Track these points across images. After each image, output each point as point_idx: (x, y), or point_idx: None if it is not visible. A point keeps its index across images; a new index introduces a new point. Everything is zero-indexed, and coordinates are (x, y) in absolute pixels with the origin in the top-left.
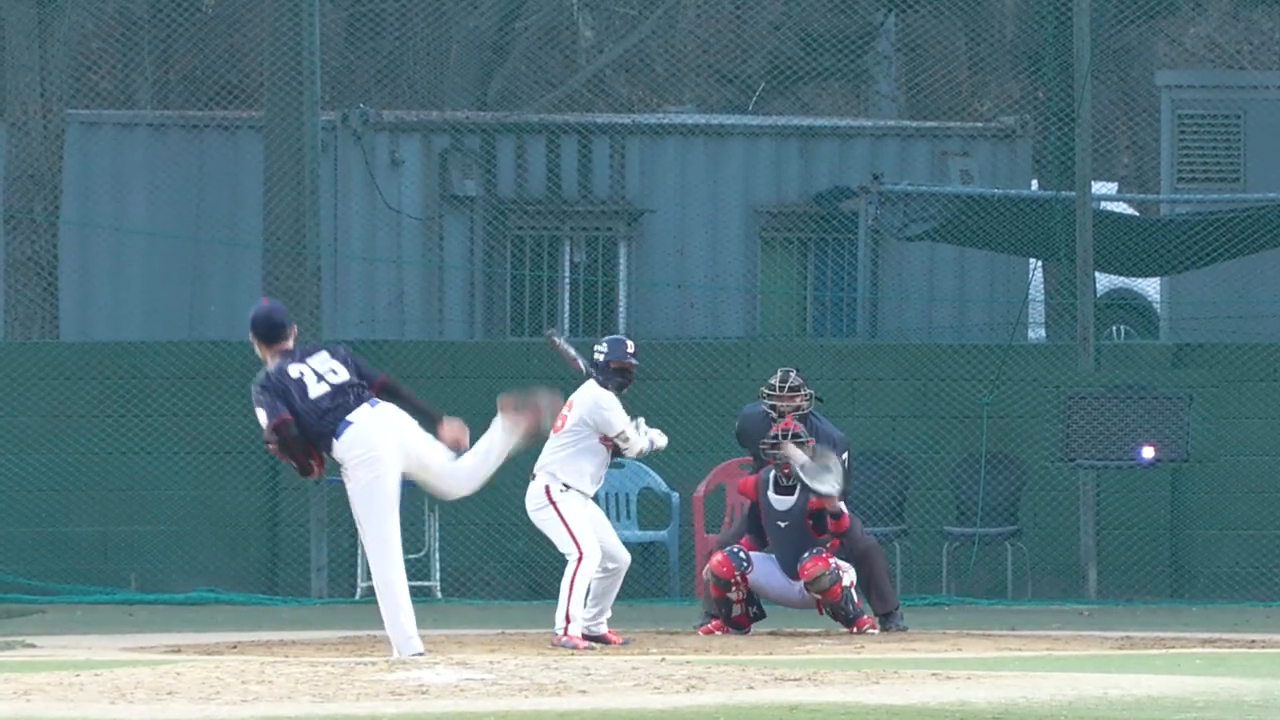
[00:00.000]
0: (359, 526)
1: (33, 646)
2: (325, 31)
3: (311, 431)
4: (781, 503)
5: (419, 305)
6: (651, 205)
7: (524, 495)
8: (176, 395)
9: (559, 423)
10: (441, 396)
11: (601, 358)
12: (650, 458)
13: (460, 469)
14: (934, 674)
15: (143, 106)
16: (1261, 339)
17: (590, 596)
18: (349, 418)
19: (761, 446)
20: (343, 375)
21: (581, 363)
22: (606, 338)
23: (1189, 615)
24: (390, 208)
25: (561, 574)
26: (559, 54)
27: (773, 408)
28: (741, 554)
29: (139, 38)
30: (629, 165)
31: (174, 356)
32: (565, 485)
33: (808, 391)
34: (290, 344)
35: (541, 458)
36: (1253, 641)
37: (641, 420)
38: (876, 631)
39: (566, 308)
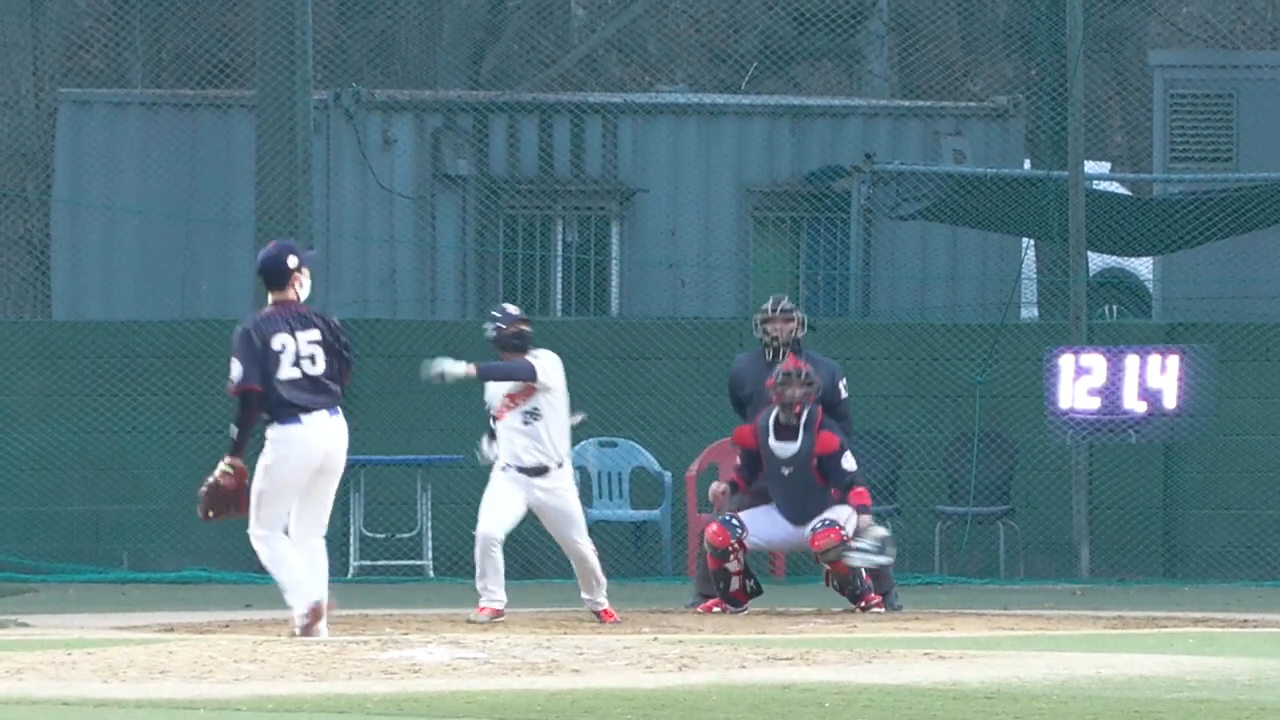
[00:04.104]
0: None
1: (25, 625)
2: (317, 10)
3: (261, 404)
4: (784, 449)
5: (411, 284)
6: (644, 184)
7: None
8: (168, 374)
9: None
10: None
11: (492, 336)
12: (644, 439)
13: (304, 526)
14: (926, 653)
15: (135, 85)
16: (1254, 318)
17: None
18: (303, 417)
19: (766, 386)
20: (319, 367)
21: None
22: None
23: (1181, 595)
24: (382, 187)
25: (559, 552)
26: (551, 33)
27: (766, 331)
28: (734, 520)
29: (131, 16)
30: (621, 145)
31: (166, 336)
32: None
33: (801, 316)
34: (291, 294)
35: (547, 449)
36: (1245, 621)
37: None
38: (882, 611)
39: (559, 287)
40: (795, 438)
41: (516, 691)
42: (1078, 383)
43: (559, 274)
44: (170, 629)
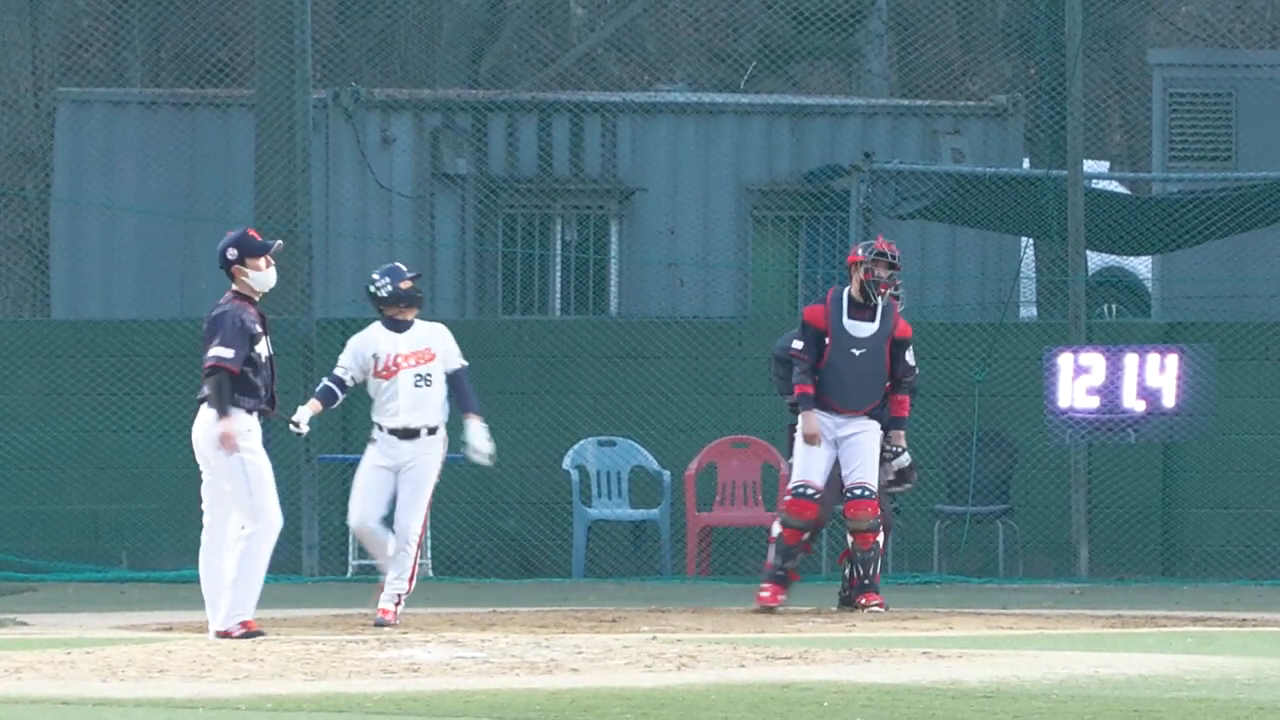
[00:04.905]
0: None
1: (24, 624)
2: (316, 9)
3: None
4: (859, 329)
5: None
6: (643, 184)
7: (514, 472)
8: (168, 373)
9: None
10: None
11: (388, 292)
12: (643, 438)
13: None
14: (925, 652)
15: (134, 84)
16: (1253, 318)
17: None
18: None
19: (851, 262)
20: (270, 357)
21: None
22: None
23: (1180, 594)
24: (382, 186)
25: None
26: (550, 32)
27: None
28: (808, 490)
29: (130, 15)
30: (620, 144)
31: (165, 334)
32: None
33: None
34: (237, 285)
35: (429, 414)
36: (1244, 620)
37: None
38: (882, 611)
39: (558, 286)
40: (873, 319)
41: (515, 690)
42: (1077, 382)
43: (558, 273)
44: (169, 628)
